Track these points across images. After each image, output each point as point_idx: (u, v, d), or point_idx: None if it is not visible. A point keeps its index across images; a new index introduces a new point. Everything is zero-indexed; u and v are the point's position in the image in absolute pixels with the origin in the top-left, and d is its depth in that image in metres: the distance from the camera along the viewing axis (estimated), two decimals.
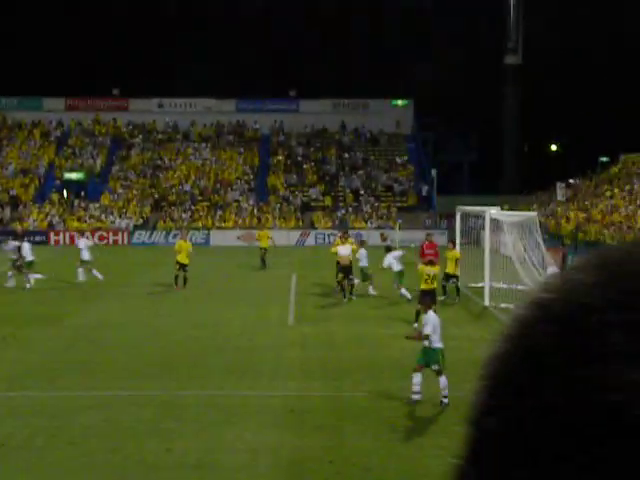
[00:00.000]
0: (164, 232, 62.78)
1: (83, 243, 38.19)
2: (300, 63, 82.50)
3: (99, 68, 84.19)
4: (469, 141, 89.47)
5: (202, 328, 25.24)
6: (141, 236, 63.18)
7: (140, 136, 76.52)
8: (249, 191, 70.02)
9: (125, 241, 62.62)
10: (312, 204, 67.99)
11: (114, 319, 26.92)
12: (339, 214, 65.97)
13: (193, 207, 67.11)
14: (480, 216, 33.86)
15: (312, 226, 64.18)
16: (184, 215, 65.87)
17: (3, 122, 76.89)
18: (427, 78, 76.27)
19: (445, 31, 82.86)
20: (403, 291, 29.98)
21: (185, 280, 33.80)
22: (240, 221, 65.02)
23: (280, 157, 74.29)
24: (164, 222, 64.78)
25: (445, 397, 16.41)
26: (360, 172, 72.52)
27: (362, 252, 32.04)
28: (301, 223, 64.81)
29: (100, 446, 13.88)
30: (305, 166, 73.07)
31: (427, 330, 16.74)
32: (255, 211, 66.49)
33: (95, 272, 36.47)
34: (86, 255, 37.13)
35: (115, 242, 62.08)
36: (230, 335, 24.15)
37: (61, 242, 61.93)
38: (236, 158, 74.23)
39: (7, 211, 65.95)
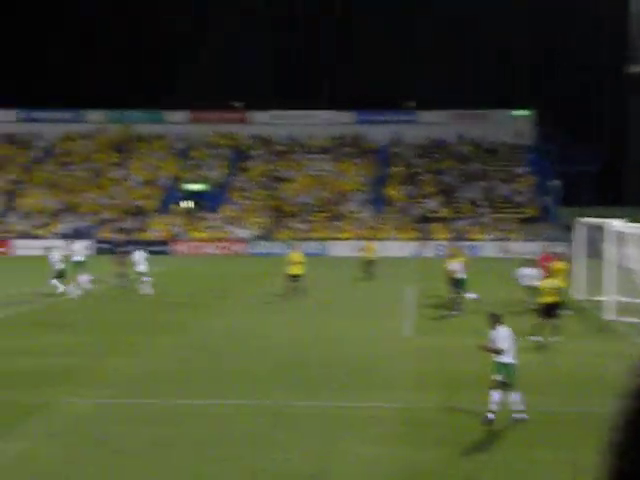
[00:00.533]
0: (282, 242, 63.35)
1: (139, 255, 37.55)
2: (418, 74, 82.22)
3: (221, 82, 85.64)
4: (592, 152, 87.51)
5: (317, 339, 25.35)
6: (260, 246, 63.99)
7: (260, 148, 77.51)
8: (366, 202, 70.10)
9: (245, 251, 63.49)
10: (429, 215, 67.63)
11: (233, 329, 27.28)
12: (457, 225, 65.43)
13: (311, 218, 67.59)
14: (602, 228, 33.06)
15: (429, 237, 63.77)
16: (302, 226, 66.39)
17: (128, 135, 78.96)
18: (549, 88, 75.01)
19: (570, 40, 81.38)
20: (470, 295, 30.76)
21: (300, 290, 33.99)
22: (357, 232, 65.19)
23: (398, 168, 74.17)
24: (282, 233, 65.46)
25: (520, 412, 15.82)
26: (479, 183, 71.79)
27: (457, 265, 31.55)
28: (418, 234, 64.50)
29: (218, 454, 14.05)
30: (423, 177, 72.75)
31: (502, 345, 16.04)
32: (372, 222, 66.55)
33: (146, 284, 36.48)
34: (142, 267, 36.83)
35: (235, 252, 63.01)
36: (345, 346, 24.18)
37: (183, 252, 63.28)
38: (354, 169, 74.43)
39: (132, 221, 67.67)
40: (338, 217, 67.36)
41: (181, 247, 63.95)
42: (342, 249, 61.09)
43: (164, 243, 64.15)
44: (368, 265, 42.50)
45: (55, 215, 68.46)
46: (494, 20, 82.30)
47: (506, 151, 76.42)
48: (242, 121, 79.71)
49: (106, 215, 68.36)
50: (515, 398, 15.84)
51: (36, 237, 65.66)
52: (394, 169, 74.16)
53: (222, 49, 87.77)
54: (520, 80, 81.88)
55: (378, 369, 20.99)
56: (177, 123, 79.39)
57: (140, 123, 79.20)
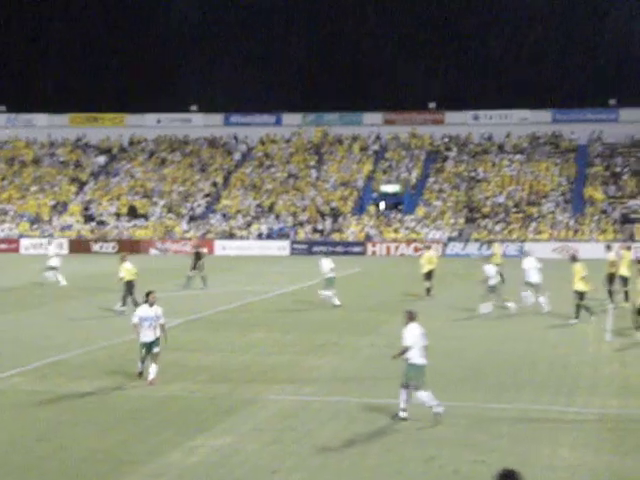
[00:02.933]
0: (478, 244, 62.95)
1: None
2: (621, 70, 79.65)
3: (417, 83, 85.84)
4: None
5: (513, 341, 25.08)
6: (455, 247, 63.70)
7: (455, 148, 77.13)
8: (565, 202, 68.49)
9: (439, 252, 63.34)
10: (632, 216, 65.37)
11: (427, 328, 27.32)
12: None
13: (507, 219, 66.70)
14: None
15: (632, 238, 61.64)
16: (498, 227, 65.61)
17: (325, 137, 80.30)
18: None
19: None
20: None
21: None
22: (555, 233, 63.84)
23: (598, 168, 72.08)
24: (478, 234, 64.93)
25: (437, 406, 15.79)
26: None
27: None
28: (620, 235, 62.47)
29: (415, 454, 14.19)
30: (625, 177, 70.41)
31: (408, 342, 16.10)
32: (571, 223, 65.00)
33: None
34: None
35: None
36: (543, 349, 23.82)
37: (378, 253, 63.88)
38: (552, 169, 72.87)
39: (328, 223, 68.80)
40: (536, 218, 66.15)
41: (375, 248, 64.50)
42: (540, 250, 59.95)
43: (359, 244, 64.94)
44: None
45: (255, 217, 70.49)
46: None
47: None
48: (438, 122, 79.52)
49: (303, 217, 69.82)
50: (422, 396, 15.87)
51: (236, 237, 67.84)
52: (594, 168, 72.11)
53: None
54: None
55: (580, 373, 20.57)
56: (373, 125, 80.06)
57: (338, 126, 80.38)
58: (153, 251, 66.65)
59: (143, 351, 19.47)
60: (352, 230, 67.45)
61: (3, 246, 68.06)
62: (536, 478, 13.09)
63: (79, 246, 67.13)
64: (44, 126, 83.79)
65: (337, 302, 32.75)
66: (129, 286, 30.92)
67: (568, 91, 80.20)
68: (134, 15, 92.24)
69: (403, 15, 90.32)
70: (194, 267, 39.63)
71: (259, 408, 17.24)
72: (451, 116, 79.25)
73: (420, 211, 69.22)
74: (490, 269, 31.04)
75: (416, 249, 61.65)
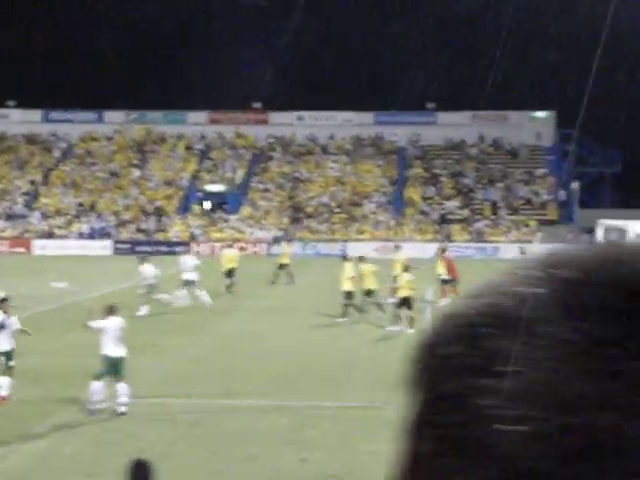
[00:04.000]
0: (301, 243, 63.55)
1: (190, 260, 33.96)
2: (438, 75, 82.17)
3: (240, 82, 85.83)
4: (613, 153, 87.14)
5: (336, 338, 25.42)
6: (279, 247, 64.05)
7: (279, 148, 77.64)
8: (387, 203, 70.08)
9: (264, 252, 63.59)
10: (449, 217, 67.56)
11: (252, 329, 27.37)
12: (476, 227, 65.35)
13: (331, 219, 67.65)
14: (623, 230, 32.97)
15: (449, 239, 63.72)
16: (322, 227, 66.47)
17: (148, 135, 79.26)
18: (570, 89, 74.77)
19: (587, 39, 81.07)
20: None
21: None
22: (377, 233, 65.23)
23: (418, 170, 74.13)
24: (303, 233, 65.57)
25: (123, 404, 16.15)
26: (499, 184, 71.66)
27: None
28: (438, 236, 64.47)
29: (238, 454, 14.12)
30: (443, 179, 72.69)
31: (106, 335, 16.63)
32: (392, 223, 66.55)
33: (204, 295, 32.51)
34: (192, 275, 32.98)
35: (255, 253, 63.09)
36: (363, 347, 24.24)
37: (202, 253, 63.43)
38: (374, 170, 74.43)
39: (152, 222, 67.93)
40: (358, 218, 67.43)
41: (199, 248, 64.13)
42: (362, 250, 61.16)
43: (184, 244, 64.37)
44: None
45: (76, 216, 68.85)
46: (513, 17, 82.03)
47: (526, 153, 76.25)
48: (262, 122, 79.81)
49: (126, 216, 68.67)
50: (122, 390, 16.20)
51: (57, 237, 66.05)
52: (414, 170, 74.13)
53: None
54: (538, 80, 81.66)
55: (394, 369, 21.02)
56: (197, 124, 79.62)
57: (162, 124, 79.46)
58: None
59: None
60: (176, 230, 66.83)
61: None
62: (356, 474, 13.24)
63: None
64: None
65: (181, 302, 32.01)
66: None
67: (390, 94, 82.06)
68: None
69: (231, 5, 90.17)
70: None
71: (77, 410, 16.77)
72: (275, 116, 79.71)
73: (245, 211, 69.32)
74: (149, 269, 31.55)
75: (241, 248, 61.65)
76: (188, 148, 78.09)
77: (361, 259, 30.05)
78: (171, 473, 13.21)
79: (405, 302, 26.46)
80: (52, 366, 21.18)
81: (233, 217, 68.60)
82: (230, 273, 36.29)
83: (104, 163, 75.83)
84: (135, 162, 76.11)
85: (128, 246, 64.77)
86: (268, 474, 13.23)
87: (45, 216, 68.89)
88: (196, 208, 70.09)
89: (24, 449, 14.24)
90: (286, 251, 42.11)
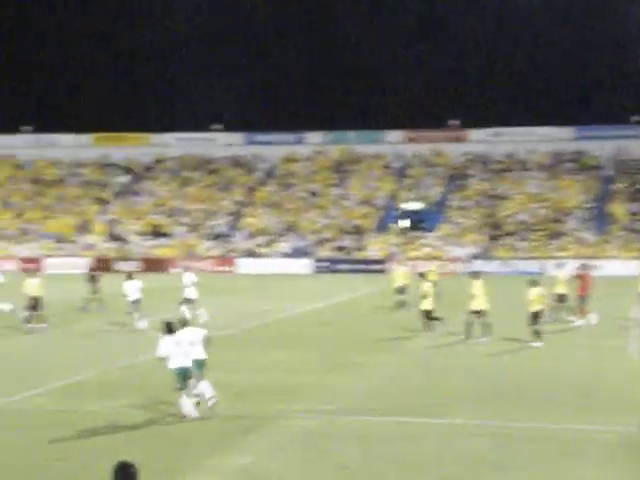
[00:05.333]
0: (501, 261, 62.77)
1: (188, 279, 35.03)
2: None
3: (437, 100, 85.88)
4: None
5: (536, 359, 24.97)
6: (477, 265, 63.43)
7: (477, 166, 77.03)
8: (588, 220, 68.20)
9: (462, 270, 63.12)
10: None
11: (450, 347, 27.26)
12: None
13: (530, 236, 66.49)
14: None
15: None
16: (520, 244, 65.42)
17: (347, 155, 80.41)
18: None
19: None
20: None
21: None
22: (580, 250, 63.53)
23: (622, 185, 71.76)
24: (501, 251, 64.77)
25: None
26: None
27: None
28: None
29: (434, 474, 14.12)
30: None
31: (165, 352, 17.54)
32: (595, 240, 64.71)
33: (202, 314, 32.70)
34: (192, 293, 33.60)
35: (453, 272, 62.77)
36: (568, 368, 23.68)
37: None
38: (574, 186, 72.62)
39: (350, 240, 68.84)
40: (558, 235, 65.89)
41: (396, 266, 64.33)
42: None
43: (381, 262, 64.79)
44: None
45: (278, 235, 70.62)
46: None
47: None
48: (460, 139, 79.47)
49: (325, 234, 69.87)
50: (202, 387, 17.70)
51: (259, 256, 67.98)
52: (618, 185, 71.80)
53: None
54: None
55: (601, 391, 20.44)
56: (395, 143, 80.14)
57: (360, 144, 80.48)
58: (176, 270, 66.83)
59: None
60: (374, 248, 67.40)
61: (28, 265, 68.45)
62: None
63: (101, 265, 67.40)
64: (69, 146, 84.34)
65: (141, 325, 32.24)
66: (33, 302, 32.17)
67: (591, 108, 79.99)
68: (156, 36, 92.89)
69: (424, 33, 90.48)
70: (93, 291, 39.15)
71: (280, 427, 17.22)
72: (473, 133, 79.18)
73: (443, 229, 69.13)
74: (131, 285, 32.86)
75: (439, 267, 61.44)
76: (386, 167, 78.69)
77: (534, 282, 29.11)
78: None
79: (536, 316, 27.29)
80: (258, 382, 21.82)
81: (431, 235, 68.55)
82: (401, 290, 37.76)
83: (304, 183, 77.50)
84: (334, 182, 77.36)
85: (327, 264, 65.90)
86: None
87: (248, 235, 71.05)
88: (394, 226, 70.48)
89: (230, 463, 14.75)
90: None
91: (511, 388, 20.85)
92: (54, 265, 67.92)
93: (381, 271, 62.72)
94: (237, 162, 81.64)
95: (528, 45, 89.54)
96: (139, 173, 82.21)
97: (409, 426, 17.13)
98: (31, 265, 68.50)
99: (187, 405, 17.71)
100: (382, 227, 71.01)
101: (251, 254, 68.35)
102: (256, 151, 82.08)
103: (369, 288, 39.73)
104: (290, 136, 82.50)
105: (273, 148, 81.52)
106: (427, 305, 29.57)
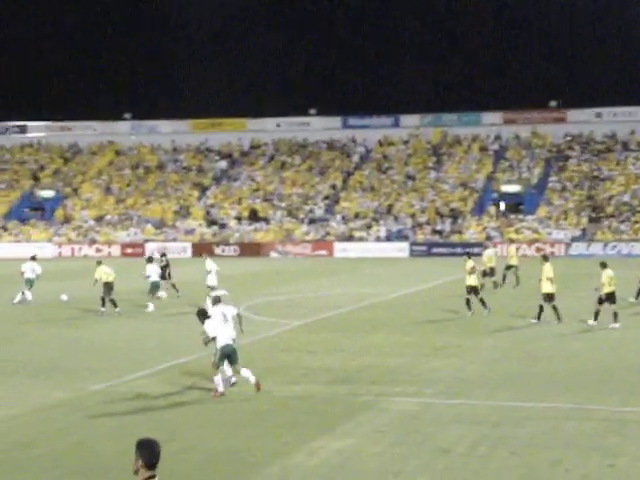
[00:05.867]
0: (602, 244, 61.51)
1: (211, 265, 34.69)
2: None
3: (537, 81, 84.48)
4: None
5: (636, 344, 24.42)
6: (578, 248, 62.35)
7: (577, 147, 75.56)
8: None
9: (562, 252, 62.14)
10: None
11: (551, 331, 26.84)
12: None
13: (632, 218, 64.97)
14: None
15: None
16: (622, 226, 63.98)
17: (443, 138, 79.75)
18: None
19: None
20: None
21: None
22: None
23: None
24: (603, 233, 63.45)
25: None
26: None
27: None
28: None
29: (541, 457, 13.89)
30: None
31: (212, 333, 18.44)
32: None
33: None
34: (212, 280, 33.88)
35: (552, 254, 61.80)
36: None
37: (499, 254, 62.93)
38: None
39: (447, 224, 68.31)
40: None
41: (496, 249, 63.61)
42: None
43: (479, 245, 64.05)
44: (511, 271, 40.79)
45: (374, 219, 70.49)
46: None
47: None
48: (559, 120, 78.01)
49: (422, 218, 69.50)
50: (247, 374, 18.57)
51: (355, 240, 67.99)
52: None
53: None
54: None
55: None
56: (492, 125, 79.12)
57: (457, 126, 79.74)
58: (274, 254, 67.35)
59: None
60: (472, 231, 66.76)
61: (129, 250, 69.84)
62: None
63: (202, 249, 68.33)
64: (168, 132, 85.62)
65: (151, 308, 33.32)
66: (107, 288, 32.85)
67: None
68: (248, 24, 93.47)
69: (522, 14, 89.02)
70: (164, 277, 37.98)
71: (380, 410, 17.17)
72: (573, 114, 77.65)
73: (542, 211, 68.05)
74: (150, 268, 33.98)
75: (538, 249, 60.62)
76: (483, 149, 77.78)
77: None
78: (473, 474, 13.23)
79: (609, 298, 27.10)
80: (357, 365, 21.81)
81: (530, 217, 67.55)
82: (491, 272, 38.48)
83: (400, 167, 77.18)
84: (430, 165, 76.85)
85: (424, 248, 65.57)
86: (575, 479, 12.93)
87: (345, 219, 71.11)
88: (491, 209, 69.67)
89: (332, 446, 14.75)
90: (512, 253, 41.82)
91: (623, 372, 20.40)
92: (154, 250, 69.09)
93: (479, 254, 62.02)
94: (333, 146, 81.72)
95: (630, 24, 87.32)
96: (236, 158, 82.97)
97: (514, 410, 16.88)
98: (132, 250, 69.88)
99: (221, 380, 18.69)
100: (479, 210, 70.27)
101: (347, 238, 68.40)
102: (352, 135, 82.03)
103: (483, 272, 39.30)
104: (386, 119, 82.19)
105: (369, 131, 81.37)
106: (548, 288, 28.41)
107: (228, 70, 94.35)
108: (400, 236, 67.93)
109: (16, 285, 38.02)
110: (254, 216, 73.11)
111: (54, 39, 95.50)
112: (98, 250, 69.18)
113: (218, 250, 68.20)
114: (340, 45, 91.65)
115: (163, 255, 40.75)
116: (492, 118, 79.73)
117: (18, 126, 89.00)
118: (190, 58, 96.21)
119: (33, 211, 78.25)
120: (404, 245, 66.32)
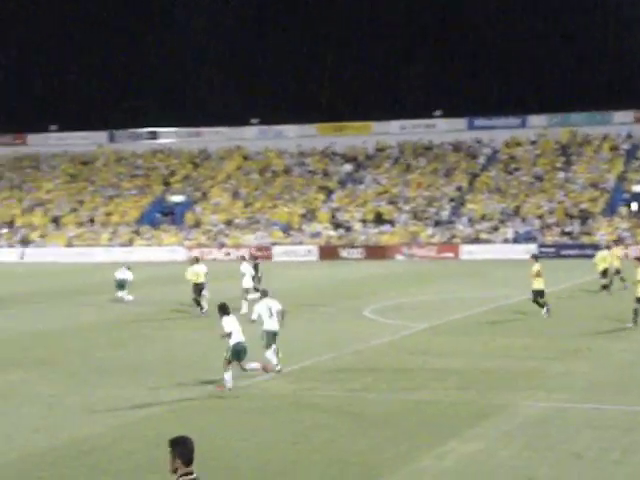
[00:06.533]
0: None
1: (246, 268, 34.27)
2: None
3: None
4: None
5: None
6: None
7: None
8: None
9: None
10: None
11: None
12: None
13: None
14: None
15: None
16: None
17: (572, 137, 78.25)
18: None
19: None
20: None
21: None
22: None
23: None
24: None
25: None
26: None
27: None
28: None
29: None
30: None
31: (228, 329, 19.43)
32: None
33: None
34: (247, 282, 33.62)
35: None
36: None
37: (630, 256, 61.38)
38: None
39: (576, 225, 66.99)
40: None
41: (627, 250, 62.01)
42: None
43: (609, 247, 62.56)
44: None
45: (501, 220, 69.69)
46: None
47: None
48: None
49: (550, 219, 68.34)
50: (253, 366, 19.87)
51: (482, 242, 67.35)
52: None
53: None
54: None
55: None
56: (624, 124, 77.21)
57: (586, 125, 78.13)
58: (399, 256, 67.30)
59: None
60: (602, 232, 65.27)
61: (257, 253, 70.90)
62: None
63: (328, 252, 68.90)
64: (294, 137, 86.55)
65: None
66: (196, 288, 33.32)
67: None
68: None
69: None
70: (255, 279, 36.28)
71: (510, 414, 17.02)
72: None
73: None
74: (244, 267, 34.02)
75: None
76: (614, 149, 75.97)
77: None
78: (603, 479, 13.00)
79: None
80: (485, 368, 21.63)
81: None
82: (604, 273, 37.92)
83: (528, 167, 76.06)
84: (559, 165, 75.49)
85: (553, 250, 64.44)
86: None
87: (471, 221, 70.52)
88: (623, 210, 67.98)
89: (461, 450, 14.71)
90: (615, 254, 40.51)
91: None
92: (281, 253, 70.04)
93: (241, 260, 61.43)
94: (459, 147, 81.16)
95: None
96: (361, 161, 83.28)
97: None
98: (260, 253, 70.92)
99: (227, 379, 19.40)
100: (610, 211, 68.63)
101: (474, 240, 67.80)
102: (478, 136, 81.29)
103: (596, 274, 38.55)
104: (513, 120, 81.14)
105: (495, 132, 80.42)
106: None
107: (352, 74, 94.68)
108: (528, 238, 66.89)
109: (150, 286, 39.03)
110: (379, 219, 73.21)
111: (191, 48, 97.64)
112: (227, 254, 70.46)
113: (344, 253, 68.55)
114: (465, 46, 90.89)
115: (255, 259, 39.95)
116: (623, 117, 77.74)
117: (149, 132, 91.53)
118: (315, 63, 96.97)
119: (164, 216, 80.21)
120: (532, 247, 65.26)
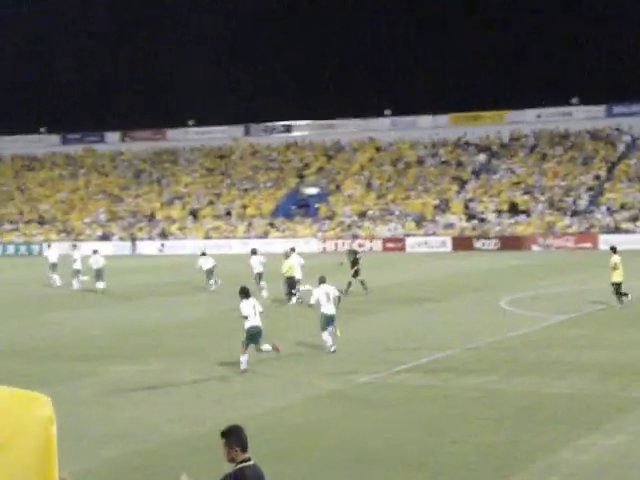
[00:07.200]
0: None
1: (256, 260, 36.62)
2: None
3: None
4: None
5: None
6: None
7: None
8: None
9: None
10: None
11: None
12: None
13: None
14: None
15: None
16: None
17: None
18: None
19: None
20: None
21: None
22: None
23: None
24: None
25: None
26: None
27: None
28: None
29: None
30: None
31: (246, 312, 20.52)
32: None
33: (264, 292, 34.91)
34: (258, 268, 36.27)
35: None
36: None
37: None
38: None
39: None
40: None
41: None
42: None
43: None
44: None
45: None
46: None
47: None
48: None
49: None
50: (267, 347, 20.89)
51: (622, 232, 65.61)
52: None
53: None
54: None
55: None
56: None
57: None
58: (535, 247, 66.22)
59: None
60: None
61: (390, 245, 70.92)
62: None
63: (461, 243, 68.37)
64: (427, 127, 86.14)
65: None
66: (289, 282, 33.80)
67: None
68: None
69: None
70: (354, 273, 36.23)
71: None
72: None
73: None
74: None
75: None
76: None
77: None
78: None
79: None
80: (625, 361, 21.14)
81: None
82: None
83: None
84: None
85: None
86: None
87: (610, 211, 68.77)
88: None
89: (603, 443, 14.44)
90: None
91: None
92: (414, 244, 69.86)
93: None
94: (596, 135, 79.22)
95: None
96: (495, 151, 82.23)
97: None
98: (394, 245, 70.92)
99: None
100: None
101: (613, 230, 66.08)
102: (617, 123, 79.16)
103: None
104: None
105: (636, 119, 78.16)
106: None
107: (483, 63, 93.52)
108: None
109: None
110: (514, 209, 72.15)
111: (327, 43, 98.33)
112: (360, 245, 70.75)
113: (478, 244, 67.87)
114: (602, 29, 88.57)
115: (356, 252, 38.18)
116: None
117: (283, 126, 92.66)
118: (443, 54, 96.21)
119: (298, 208, 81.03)
120: None
